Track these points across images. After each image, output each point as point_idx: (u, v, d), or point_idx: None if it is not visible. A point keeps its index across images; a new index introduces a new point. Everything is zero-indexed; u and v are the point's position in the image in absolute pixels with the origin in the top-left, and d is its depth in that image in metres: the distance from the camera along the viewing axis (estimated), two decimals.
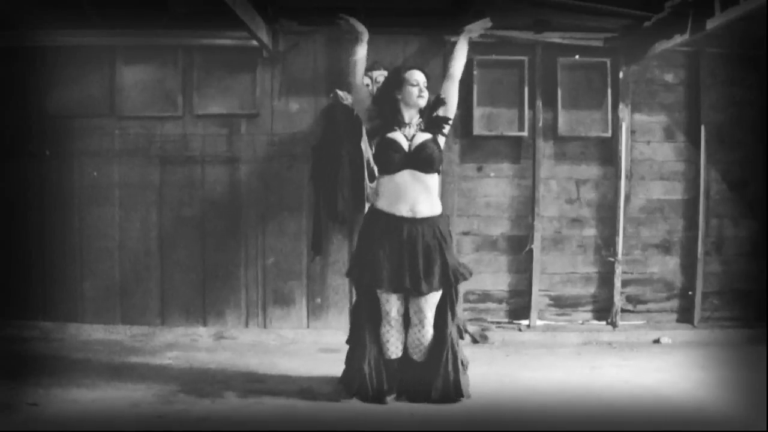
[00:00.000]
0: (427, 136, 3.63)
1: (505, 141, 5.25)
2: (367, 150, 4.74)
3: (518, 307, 5.30)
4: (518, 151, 5.26)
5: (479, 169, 5.26)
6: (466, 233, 5.25)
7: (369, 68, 4.92)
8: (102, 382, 3.92)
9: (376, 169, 3.88)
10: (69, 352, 4.66)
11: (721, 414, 3.47)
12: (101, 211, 5.13)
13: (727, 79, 5.27)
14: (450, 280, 3.59)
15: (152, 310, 5.15)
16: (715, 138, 5.26)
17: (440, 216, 3.66)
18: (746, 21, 3.98)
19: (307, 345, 4.94)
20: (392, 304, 3.62)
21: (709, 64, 5.24)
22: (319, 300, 5.17)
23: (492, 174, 5.27)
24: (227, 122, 5.15)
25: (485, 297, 5.29)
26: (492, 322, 5.27)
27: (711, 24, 4.18)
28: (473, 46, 5.18)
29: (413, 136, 3.62)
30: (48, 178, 5.11)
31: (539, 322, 5.26)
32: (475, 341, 5.08)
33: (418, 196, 3.57)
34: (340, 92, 4.86)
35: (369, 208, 4.02)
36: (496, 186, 5.27)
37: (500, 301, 5.31)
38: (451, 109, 3.73)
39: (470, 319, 5.24)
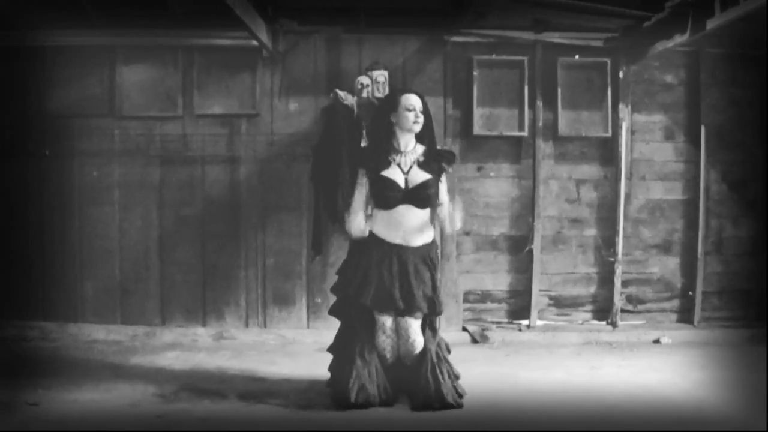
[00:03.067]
0: (427, 176, 3.59)
1: (505, 141, 5.24)
2: None
3: (518, 307, 5.30)
4: (518, 151, 5.26)
5: (479, 169, 5.26)
6: (466, 233, 5.25)
7: (369, 68, 4.94)
8: (102, 382, 3.92)
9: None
10: (69, 352, 4.67)
11: (721, 414, 3.47)
12: (101, 211, 5.13)
13: (727, 79, 5.27)
14: (426, 307, 3.59)
15: (152, 310, 5.15)
16: (715, 138, 5.27)
17: (431, 243, 3.69)
18: (746, 21, 3.99)
19: (307, 345, 4.93)
20: (386, 318, 3.64)
21: (709, 64, 5.24)
22: (319, 300, 5.16)
23: (492, 174, 5.27)
24: (227, 122, 5.15)
25: (485, 297, 5.29)
26: (492, 322, 5.27)
27: (711, 24, 4.19)
28: (473, 46, 5.24)
29: (410, 169, 3.60)
30: (48, 178, 5.10)
31: (539, 322, 5.26)
32: (475, 341, 5.08)
33: (413, 227, 3.59)
34: (340, 92, 4.86)
35: None
36: (496, 186, 5.27)
37: (500, 301, 5.31)
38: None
39: (470, 319, 5.25)
